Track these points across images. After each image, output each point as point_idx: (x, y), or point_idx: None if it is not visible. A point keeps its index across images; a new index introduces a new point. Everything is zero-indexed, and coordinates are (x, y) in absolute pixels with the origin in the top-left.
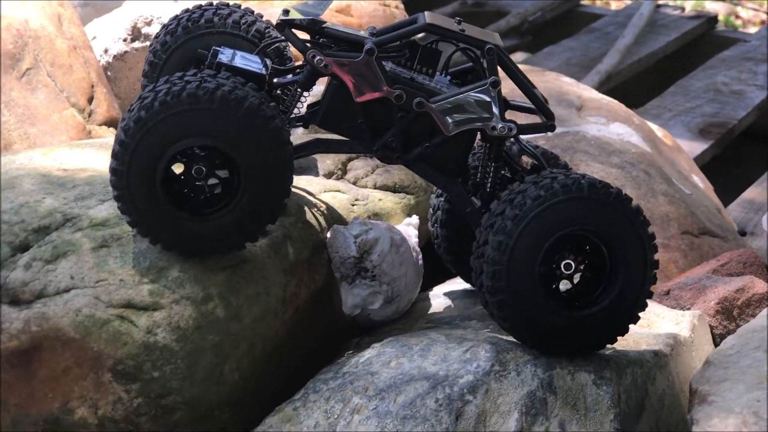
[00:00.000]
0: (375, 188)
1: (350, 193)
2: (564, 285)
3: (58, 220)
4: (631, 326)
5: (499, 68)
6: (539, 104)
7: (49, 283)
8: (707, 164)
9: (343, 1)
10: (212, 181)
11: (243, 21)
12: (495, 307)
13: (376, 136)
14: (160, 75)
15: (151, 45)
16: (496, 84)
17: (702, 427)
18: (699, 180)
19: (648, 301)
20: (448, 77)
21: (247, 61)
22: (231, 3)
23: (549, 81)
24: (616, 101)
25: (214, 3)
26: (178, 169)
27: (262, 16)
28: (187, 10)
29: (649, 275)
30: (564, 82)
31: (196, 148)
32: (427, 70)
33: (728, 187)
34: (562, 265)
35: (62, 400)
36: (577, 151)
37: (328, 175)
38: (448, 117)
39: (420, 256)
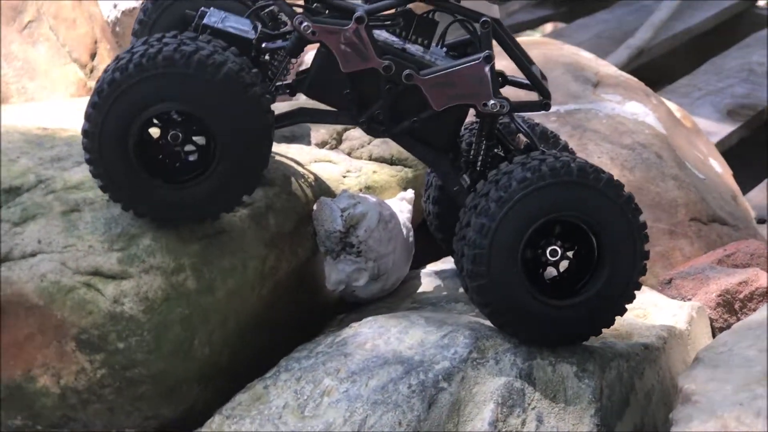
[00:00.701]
0: (370, 160)
1: (342, 165)
2: (549, 272)
3: (30, 181)
4: (626, 316)
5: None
6: (535, 81)
7: (15, 247)
8: (734, 147)
9: None
10: (188, 147)
11: None
12: (475, 292)
13: (362, 107)
14: (150, 33)
15: (142, 3)
16: (490, 59)
17: (681, 428)
18: (717, 164)
19: (648, 290)
20: (444, 49)
21: (235, 25)
22: None
23: (566, 55)
24: (635, 79)
25: None
26: (153, 133)
27: None
28: None
29: (638, 266)
30: (582, 57)
31: (173, 113)
32: (423, 40)
33: (753, 172)
34: (547, 252)
35: (24, 368)
36: (587, 129)
37: (321, 145)
38: (437, 90)
39: (411, 233)
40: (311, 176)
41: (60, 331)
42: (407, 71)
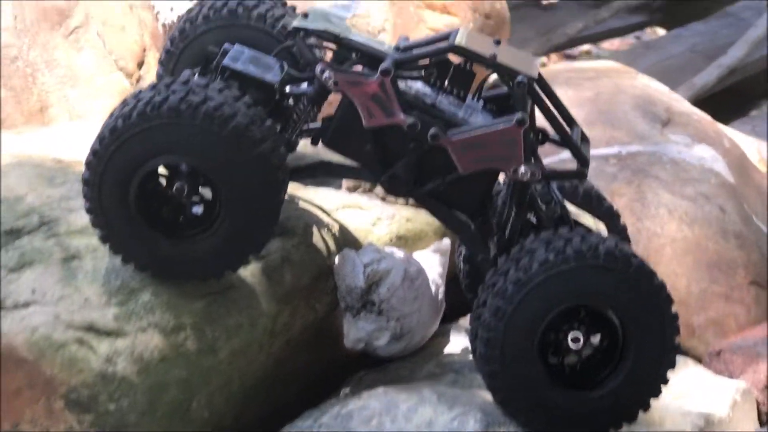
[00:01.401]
0: (406, 205)
1: (373, 211)
2: (569, 360)
3: (33, 223)
4: (663, 395)
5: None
6: (573, 147)
7: (9, 295)
8: None
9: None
10: (194, 200)
11: (269, 14)
12: (486, 376)
13: (385, 165)
14: (176, 66)
15: (170, 31)
16: (523, 122)
17: None
18: None
19: (692, 364)
20: (482, 102)
21: (258, 65)
22: None
23: (638, 87)
24: (708, 118)
25: None
26: (157, 183)
27: (294, 9)
28: None
29: (667, 360)
30: (654, 90)
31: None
32: (458, 92)
33: None
34: (569, 338)
35: (13, 421)
36: (648, 175)
37: (353, 188)
38: (465, 152)
39: (441, 289)
40: (336, 225)
41: (49, 388)
42: (433, 130)
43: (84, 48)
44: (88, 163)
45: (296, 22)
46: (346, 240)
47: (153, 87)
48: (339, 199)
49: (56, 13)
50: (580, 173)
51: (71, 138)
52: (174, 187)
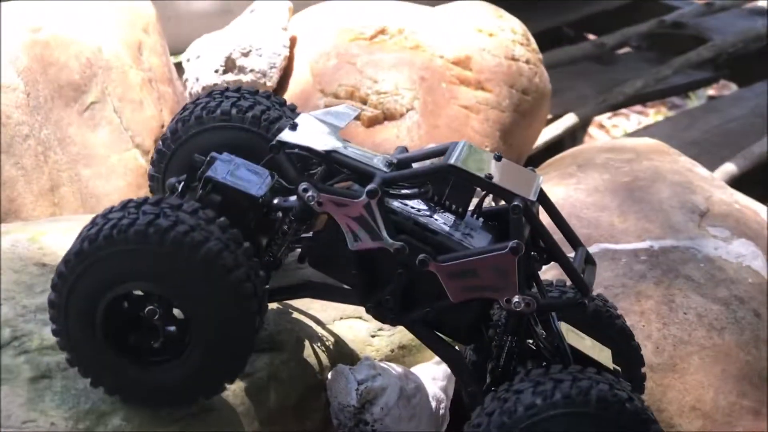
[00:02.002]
0: None
1: (373, 322)
2: None
3: (4, 337)
4: None
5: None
6: (572, 274)
7: None
8: None
9: (463, 53)
10: (166, 325)
11: (263, 117)
12: None
13: (371, 289)
14: (167, 167)
15: (164, 132)
16: (517, 250)
17: None
18: None
19: None
20: (481, 219)
21: (244, 176)
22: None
23: (679, 172)
24: (753, 207)
25: (243, 88)
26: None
27: (294, 110)
28: (209, 94)
29: None
30: (696, 175)
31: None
32: (457, 208)
33: None
34: None
35: None
36: (679, 275)
37: None
38: (455, 281)
39: (444, 404)
40: (331, 339)
41: None
42: (422, 256)
43: (99, 125)
44: (54, 286)
45: (280, 136)
46: (342, 354)
47: (123, 206)
48: (337, 310)
49: (71, 89)
50: (579, 303)
51: (62, 236)
52: (145, 311)
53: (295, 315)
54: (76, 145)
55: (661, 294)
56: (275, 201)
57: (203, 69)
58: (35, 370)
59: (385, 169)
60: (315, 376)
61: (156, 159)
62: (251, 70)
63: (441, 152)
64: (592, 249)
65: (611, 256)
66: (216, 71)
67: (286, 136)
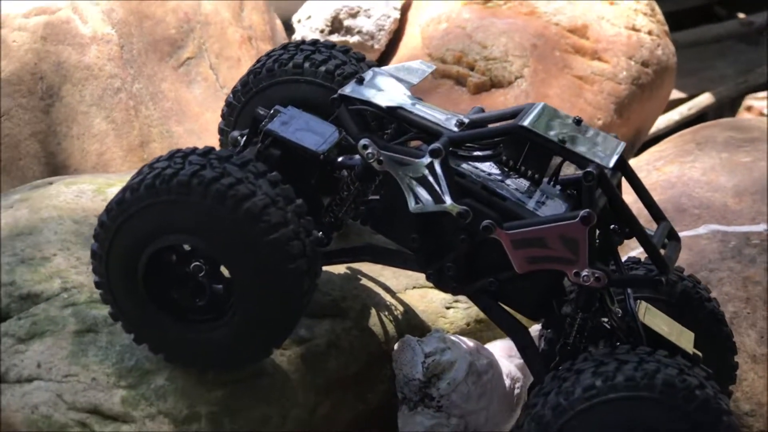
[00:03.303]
0: None
1: None
2: None
3: (53, 289)
4: None
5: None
6: (650, 250)
7: (13, 367)
8: None
9: (580, 20)
10: (212, 283)
11: (338, 72)
12: None
13: (433, 255)
14: (237, 119)
15: (235, 85)
16: (588, 221)
17: None
18: None
19: None
20: (558, 187)
21: (308, 132)
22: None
23: None
24: None
25: (320, 41)
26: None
27: (374, 65)
28: (284, 46)
29: None
30: None
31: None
32: (533, 174)
33: None
34: None
35: None
36: None
37: None
38: (521, 250)
39: (519, 383)
40: (401, 308)
41: None
42: (486, 222)
43: (194, 81)
44: (96, 235)
45: (343, 89)
46: (411, 324)
47: (170, 156)
48: (409, 277)
49: (167, 43)
50: (656, 281)
51: None
52: (191, 266)
53: (364, 281)
54: (169, 100)
55: None
56: (340, 159)
57: (310, 29)
58: (81, 323)
59: (455, 129)
60: (380, 346)
61: (226, 112)
62: (358, 32)
63: (512, 114)
64: (701, 230)
65: (720, 238)
66: (322, 31)
67: (350, 90)
